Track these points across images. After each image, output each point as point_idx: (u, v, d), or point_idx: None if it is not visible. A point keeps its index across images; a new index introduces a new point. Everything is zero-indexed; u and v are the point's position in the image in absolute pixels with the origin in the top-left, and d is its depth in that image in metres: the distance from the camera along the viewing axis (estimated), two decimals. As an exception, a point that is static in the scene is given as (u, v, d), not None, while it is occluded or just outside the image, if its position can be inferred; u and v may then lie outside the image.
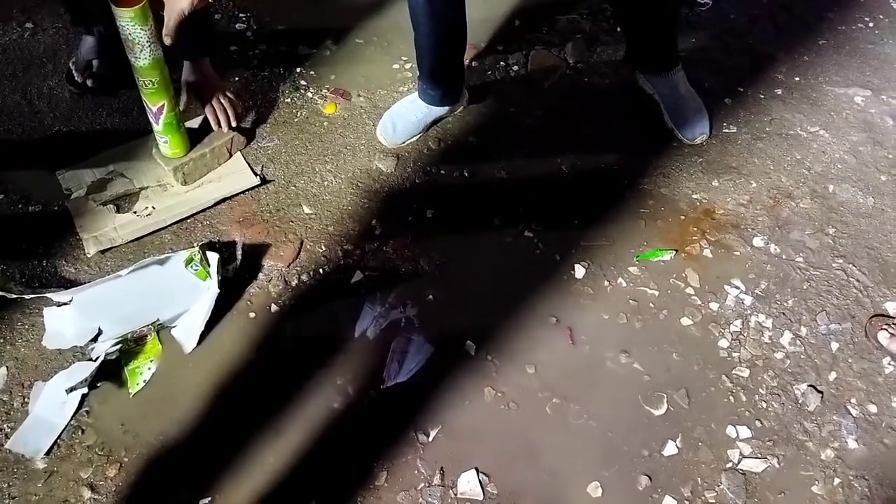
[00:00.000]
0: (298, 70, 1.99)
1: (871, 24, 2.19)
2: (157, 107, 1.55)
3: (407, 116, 1.82)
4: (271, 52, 2.03)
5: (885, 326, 1.48)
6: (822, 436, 1.39)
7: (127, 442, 1.33)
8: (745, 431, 1.40)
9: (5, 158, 1.72)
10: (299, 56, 2.02)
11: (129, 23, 1.38)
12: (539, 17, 2.17)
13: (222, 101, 1.73)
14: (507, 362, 1.47)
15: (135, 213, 1.64)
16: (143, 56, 1.44)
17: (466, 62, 2.00)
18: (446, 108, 1.85)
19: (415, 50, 1.73)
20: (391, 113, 1.84)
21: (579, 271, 1.61)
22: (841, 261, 1.64)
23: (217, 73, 1.76)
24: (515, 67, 2.03)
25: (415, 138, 1.84)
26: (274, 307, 1.53)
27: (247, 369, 1.44)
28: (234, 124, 1.73)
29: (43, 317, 1.46)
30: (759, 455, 1.37)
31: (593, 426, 1.40)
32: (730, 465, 1.36)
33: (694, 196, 1.75)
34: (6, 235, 1.58)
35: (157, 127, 1.60)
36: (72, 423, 1.34)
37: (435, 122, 1.86)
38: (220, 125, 1.72)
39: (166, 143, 1.64)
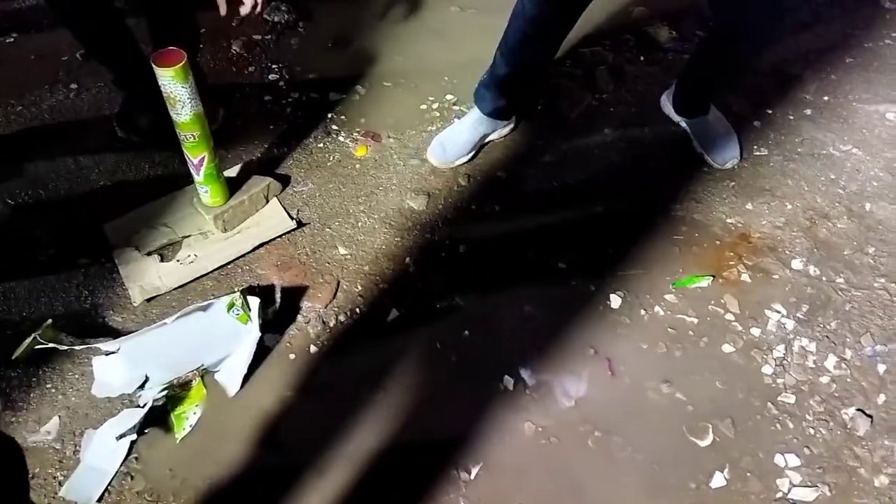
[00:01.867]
0: (330, 115, 2.05)
1: (898, 40, 2.17)
2: (198, 159, 1.61)
3: (455, 139, 1.88)
4: (303, 99, 2.09)
5: None
6: (874, 461, 1.35)
7: (175, 487, 1.35)
8: (793, 460, 1.36)
9: (54, 214, 1.80)
10: (330, 102, 2.08)
11: (171, 81, 1.45)
12: (563, 49, 2.20)
13: None
14: (546, 396, 1.47)
15: (178, 261, 1.69)
16: (184, 112, 1.51)
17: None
18: (496, 123, 1.89)
19: (498, 49, 1.74)
20: (441, 137, 1.90)
21: (615, 301, 1.60)
22: (883, 280, 1.60)
23: None
24: (542, 100, 2.06)
25: (465, 158, 1.88)
26: (313, 348, 1.55)
27: (289, 411, 1.46)
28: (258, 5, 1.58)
29: (92, 366, 1.51)
30: (810, 483, 1.33)
31: (638, 459, 1.38)
32: (780, 495, 1.33)
33: (728, 220, 1.74)
34: (56, 288, 1.64)
35: (199, 178, 1.66)
36: (121, 469, 1.37)
37: (482, 145, 1.91)
38: (248, 8, 1.57)
39: (207, 192, 1.70)
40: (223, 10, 1.56)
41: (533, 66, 1.76)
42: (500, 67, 1.75)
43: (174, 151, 1.75)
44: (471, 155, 1.89)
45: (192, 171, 1.65)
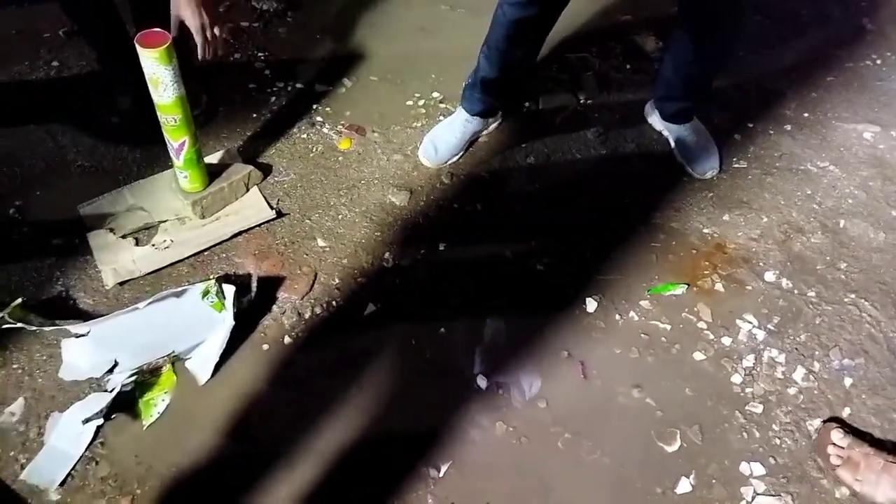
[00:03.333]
0: (315, 107, 2.03)
1: (878, 62, 2.21)
2: (178, 143, 1.59)
3: (446, 138, 1.88)
4: (288, 89, 2.08)
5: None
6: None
7: (140, 473, 1.34)
8: (758, 468, 1.38)
9: (28, 192, 1.76)
10: (315, 93, 2.07)
11: (155, 62, 1.43)
12: (549, 55, 2.22)
13: (215, 30, 1.57)
14: (519, 396, 1.47)
15: (153, 245, 1.67)
16: (166, 94, 1.49)
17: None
18: (485, 121, 1.90)
19: (481, 52, 1.76)
20: (431, 136, 1.90)
21: (591, 305, 1.62)
22: (853, 296, 1.64)
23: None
24: (527, 103, 2.07)
25: (456, 157, 1.89)
26: (287, 339, 1.54)
27: (259, 401, 1.45)
28: (220, 50, 1.59)
29: (61, 348, 1.49)
30: (774, 493, 1.36)
31: (606, 462, 1.39)
32: (743, 502, 1.35)
33: (705, 230, 1.76)
34: (28, 268, 1.61)
35: (178, 162, 1.64)
36: (86, 454, 1.35)
37: (473, 141, 1.92)
38: (205, 54, 1.58)
39: (186, 177, 1.68)
40: (201, 55, 1.57)
41: (516, 68, 1.78)
42: (484, 70, 1.77)
43: (154, 134, 1.73)
44: (461, 154, 1.90)
45: (171, 155, 1.63)
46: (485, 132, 1.95)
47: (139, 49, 1.41)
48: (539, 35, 1.72)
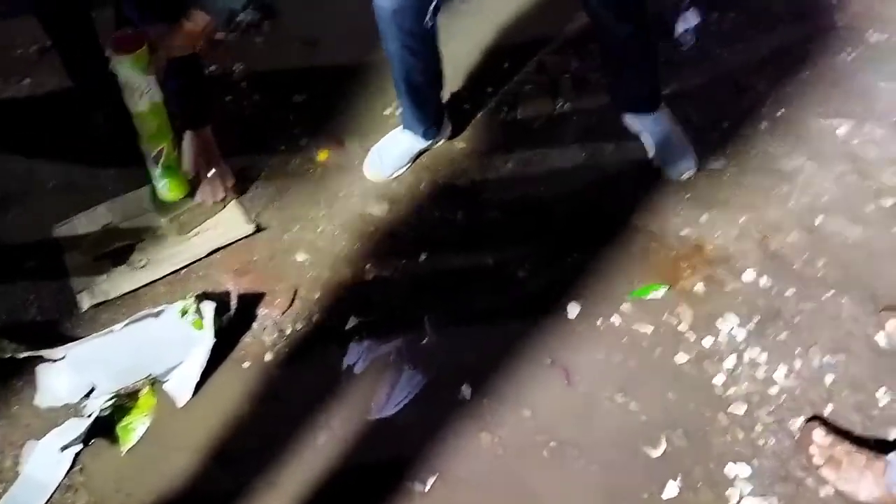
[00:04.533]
0: (292, 118, 2.02)
1: (850, 57, 2.22)
2: (156, 151, 1.57)
3: (392, 150, 1.86)
4: (265, 100, 2.06)
5: None
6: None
7: (120, 500, 1.32)
8: (744, 470, 1.38)
9: (0, 214, 1.74)
10: (293, 104, 2.06)
11: (129, 69, 1.40)
12: (526, 58, 2.21)
13: (217, 173, 1.75)
14: (503, 405, 1.47)
15: (129, 265, 1.65)
16: (141, 102, 1.46)
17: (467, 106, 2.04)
18: (430, 142, 1.88)
19: (393, 79, 1.76)
20: (377, 148, 1.88)
21: (572, 311, 1.61)
22: (832, 292, 1.64)
23: (216, 143, 1.78)
24: (505, 108, 2.06)
25: (402, 171, 1.87)
26: (268, 356, 1.53)
27: (241, 421, 1.43)
28: (221, 196, 1.76)
29: (35, 374, 1.46)
30: (760, 494, 1.36)
31: (592, 469, 1.39)
32: (730, 504, 1.35)
33: (683, 232, 1.76)
34: (0, 292, 1.59)
35: (157, 170, 1.62)
36: (64, 482, 1.33)
37: (420, 153, 1.90)
38: (210, 197, 1.74)
39: (165, 185, 1.66)
40: (209, 198, 1.69)
41: (427, 77, 1.75)
42: (402, 93, 1.76)
43: (129, 152, 1.71)
44: (407, 167, 1.88)
45: (148, 164, 1.60)
46: (431, 147, 1.92)
47: (113, 55, 1.38)
48: (420, 34, 1.61)
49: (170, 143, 1.57)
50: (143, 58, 1.39)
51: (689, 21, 2.32)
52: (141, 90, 1.44)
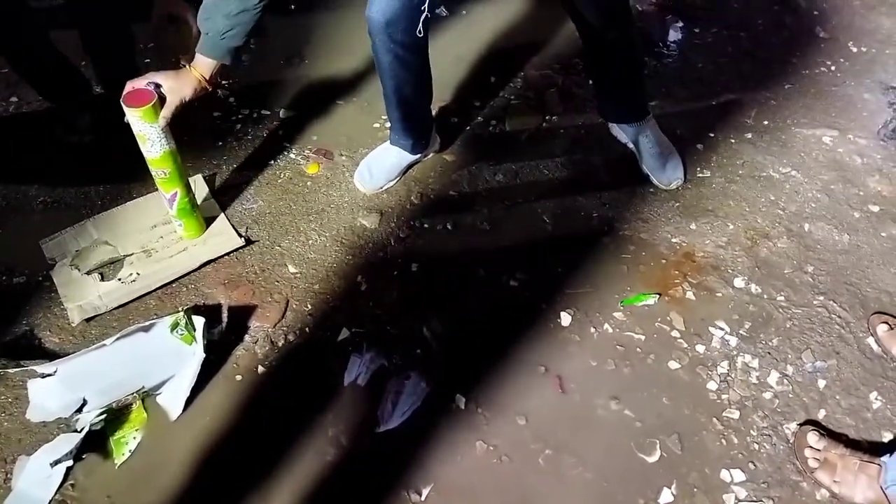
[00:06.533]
0: (281, 132, 2.03)
1: (832, 68, 2.27)
2: (170, 194, 1.60)
3: (382, 163, 1.87)
4: (254, 116, 2.07)
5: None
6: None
7: (113, 515, 1.30)
8: (739, 475, 1.39)
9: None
10: (281, 119, 2.07)
11: (140, 121, 1.44)
12: (513, 72, 2.24)
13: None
14: (498, 414, 1.47)
15: (119, 279, 1.64)
16: (154, 150, 1.50)
17: (454, 120, 2.06)
18: (418, 155, 1.89)
19: (384, 101, 1.78)
20: (367, 160, 1.89)
21: (565, 319, 1.62)
22: (822, 298, 1.66)
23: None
24: (493, 122, 2.08)
25: (392, 183, 1.88)
26: (261, 368, 1.52)
27: (233, 434, 1.42)
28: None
29: (27, 389, 1.44)
30: (755, 498, 1.36)
31: (588, 477, 1.38)
32: (726, 510, 1.35)
33: (673, 240, 1.78)
34: (-11, 308, 1.57)
35: (172, 212, 1.64)
36: (56, 497, 1.31)
37: (410, 166, 1.91)
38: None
39: (181, 226, 1.68)
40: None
41: (417, 91, 1.76)
42: (392, 106, 1.77)
43: (117, 167, 1.71)
44: (397, 180, 1.89)
45: (165, 205, 1.63)
46: (421, 160, 1.93)
47: (125, 108, 1.42)
48: (411, 53, 1.62)
49: (183, 188, 1.61)
50: (153, 111, 1.44)
51: (672, 35, 2.37)
52: (153, 140, 1.48)
